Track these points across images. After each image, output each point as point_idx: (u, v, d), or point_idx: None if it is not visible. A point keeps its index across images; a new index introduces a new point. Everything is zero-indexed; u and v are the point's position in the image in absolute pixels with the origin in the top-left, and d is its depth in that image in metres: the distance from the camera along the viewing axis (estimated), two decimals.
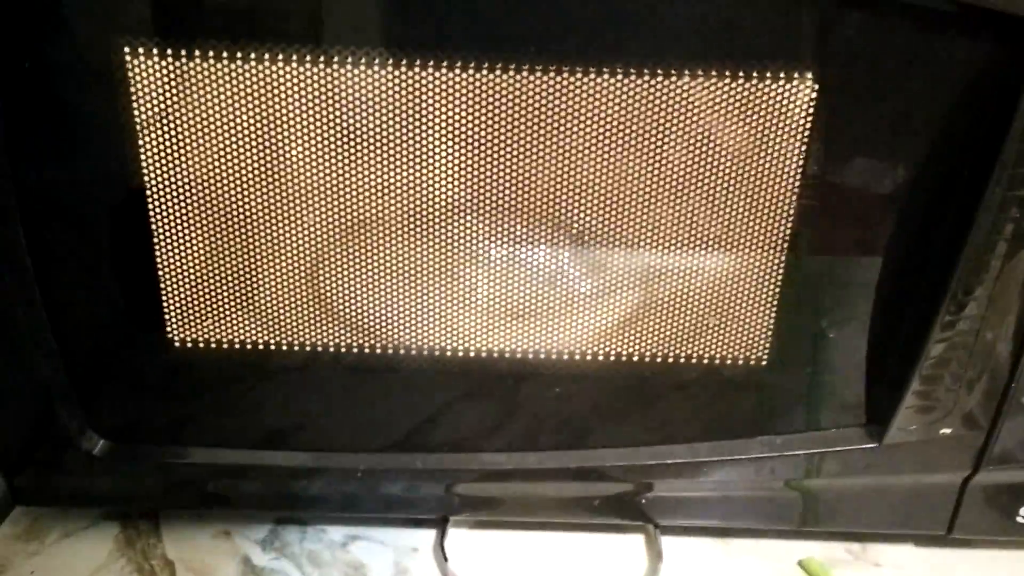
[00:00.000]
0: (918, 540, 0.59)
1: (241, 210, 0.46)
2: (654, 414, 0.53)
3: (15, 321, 0.48)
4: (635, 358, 0.51)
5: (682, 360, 0.51)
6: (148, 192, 0.45)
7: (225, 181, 0.46)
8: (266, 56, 0.42)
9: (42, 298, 0.47)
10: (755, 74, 0.42)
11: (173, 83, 0.43)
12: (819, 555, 0.58)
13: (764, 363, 0.51)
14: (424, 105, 0.44)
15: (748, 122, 0.44)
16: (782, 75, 0.42)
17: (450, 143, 0.45)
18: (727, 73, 0.42)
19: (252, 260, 0.48)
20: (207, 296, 0.49)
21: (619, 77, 0.42)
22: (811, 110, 0.43)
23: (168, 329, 0.49)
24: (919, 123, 0.43)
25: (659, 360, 0.51)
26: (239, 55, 0.42)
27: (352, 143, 0.44)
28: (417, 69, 0.42)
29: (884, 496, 0.55)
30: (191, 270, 0.48)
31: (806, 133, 0.44)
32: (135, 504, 0.58)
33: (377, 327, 0.50)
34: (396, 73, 0.43)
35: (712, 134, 0.44)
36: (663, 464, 0.54)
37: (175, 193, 0.46)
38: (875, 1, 0.40)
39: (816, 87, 0.42)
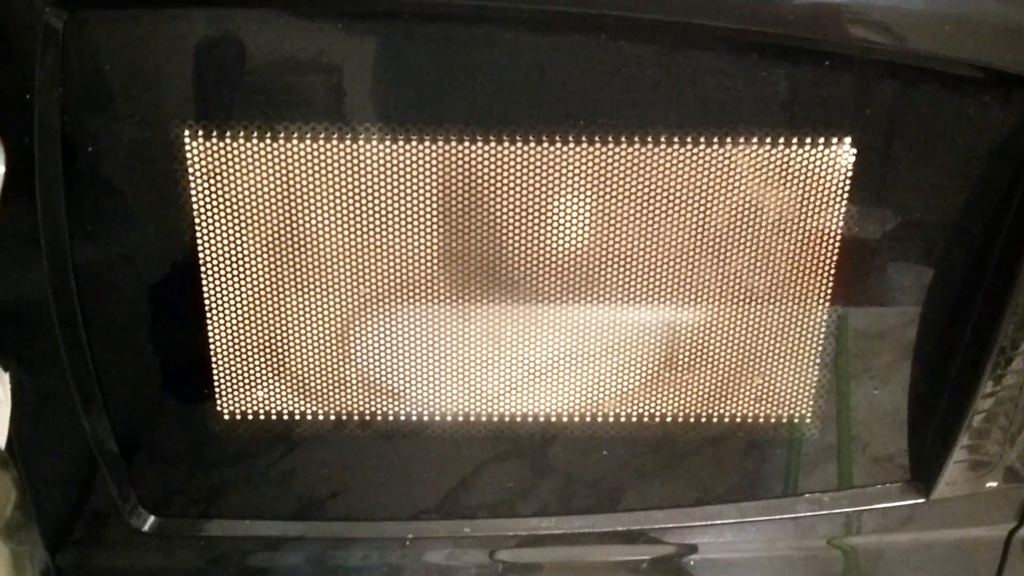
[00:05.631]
0: None
1: (281, 281, 0.47)
2: (693, 473, 0.53)
3: (67, 392, 0.48)
4: (678, 417, 0.51)
5: (726, 419, 0.51)
6: (202, 265, 0.46)
7: (268, 253, 0.47)
8: (308, 134, 0.43)
9: (95, 370, 0.48)
10: (796, 140, 0.44)
11: (225, 161, 0.44)
12: None
13: (808, 420, 0.51)
14: (455, 177, 0.45)
15: (790, 185, 0.45)
16: (822, 141, 0.44)
17: (481, 212, 0.46)
18: (769, 140, 0.44)
19: (292, 329, 0.49)
20: (253, 367, 0.49)
21: (664, 145, 0.44)
22: (850, 173, 0.44)
23: (217, 400, 0.50)
24: (955, 183, 0.44)
25: (702, 419, 0.51)
26: (282, 134, 0.43)
27: (377, 214, 0.46)
28: (454, 143, 0.44)
29: (928, 551, 0.55)
30: (239, 341, 0.49)
31: (846, 194, 0.45)
32: None
33: (405, 392, 0.51)
34: (422, 147, 0.44)
35: (755, 198, 0.45)
36: (707, 525, 0.54)
37: (227, 266, 0.47)
38: (908, 69, 0.42)
39: (855, 151, 0.44)
